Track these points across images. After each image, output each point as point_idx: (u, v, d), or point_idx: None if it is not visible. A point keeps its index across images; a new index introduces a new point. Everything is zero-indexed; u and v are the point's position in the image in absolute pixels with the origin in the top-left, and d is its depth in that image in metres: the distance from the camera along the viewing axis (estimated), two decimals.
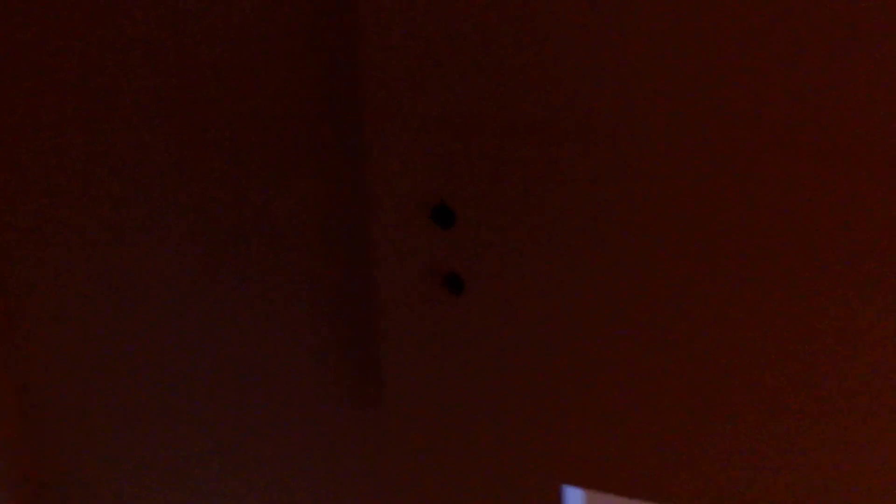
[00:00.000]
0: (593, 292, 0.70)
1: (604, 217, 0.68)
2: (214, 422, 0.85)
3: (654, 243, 0.68)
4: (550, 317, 0.71)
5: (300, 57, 0.72)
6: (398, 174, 0.69)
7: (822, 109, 0.64)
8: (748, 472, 0.72)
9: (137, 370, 0.87)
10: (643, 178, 0.67)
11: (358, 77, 0.71)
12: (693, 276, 0.69)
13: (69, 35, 0.79)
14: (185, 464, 0.89)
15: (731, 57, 0.64)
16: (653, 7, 0.64)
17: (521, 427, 0.75)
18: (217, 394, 0.84)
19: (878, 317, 0.65)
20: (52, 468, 0.94)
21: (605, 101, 0.65)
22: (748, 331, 0.70)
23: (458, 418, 0.76)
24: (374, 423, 0.80)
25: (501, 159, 0.68)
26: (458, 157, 0.67)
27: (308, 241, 0.77)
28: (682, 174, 0.67)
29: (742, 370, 0.70)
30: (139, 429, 0.89)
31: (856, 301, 0.66)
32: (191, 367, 0.84)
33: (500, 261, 0.70)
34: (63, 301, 0.87)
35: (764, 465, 0.72)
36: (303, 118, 0.73)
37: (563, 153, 0.67)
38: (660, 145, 0.66)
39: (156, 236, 0.81)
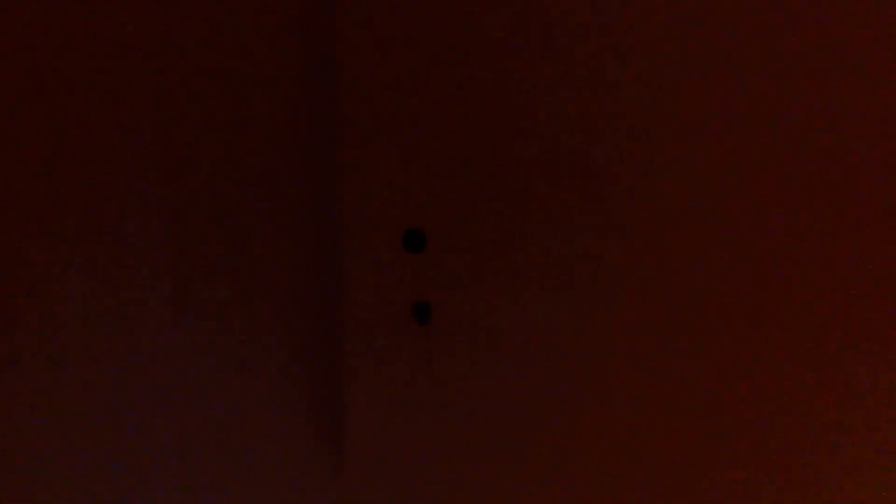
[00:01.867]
0: (565, 323, 0.70)
1: (581, 246, 0.68)
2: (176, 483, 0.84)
3: (631, 276, 0.67)
4: (520, 350, 0.71)
5: (278, 85, 0.72)
6: (373, 199, 0.69)
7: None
8: None
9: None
10: (622, 209, 0.66)
11: (336, 103, 0.71)
12: (670, 312, 0.68)
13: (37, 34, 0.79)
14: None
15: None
16: (627, 36, 0.65)
17: (486, 488, 0.74)
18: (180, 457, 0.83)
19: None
20: None
21: (581, 133, 0.65)
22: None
23: (422, 480, 0.75)
24: (339, 489, 0.80)
25: (475, 186, 0.68)
26: (433, 184, 0.68)
27: (279, 272, 0.77)
28: (659, 202, 0.67)
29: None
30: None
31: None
32: (156, 423, 0.83)
33: (469, 287, 0.70)
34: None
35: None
36: (279, 144, 0.74)
37: (539, 182, 0.67)
38: (639, 177, 0.66)
39: (129, 267, 0.81)
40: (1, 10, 0.80)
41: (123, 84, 0.77)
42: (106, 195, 0.79)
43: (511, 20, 0.65)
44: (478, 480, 0.76)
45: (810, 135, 0.63)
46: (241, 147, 0.76)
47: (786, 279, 0.66)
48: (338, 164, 0.72)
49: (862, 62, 0.61)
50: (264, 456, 0.83)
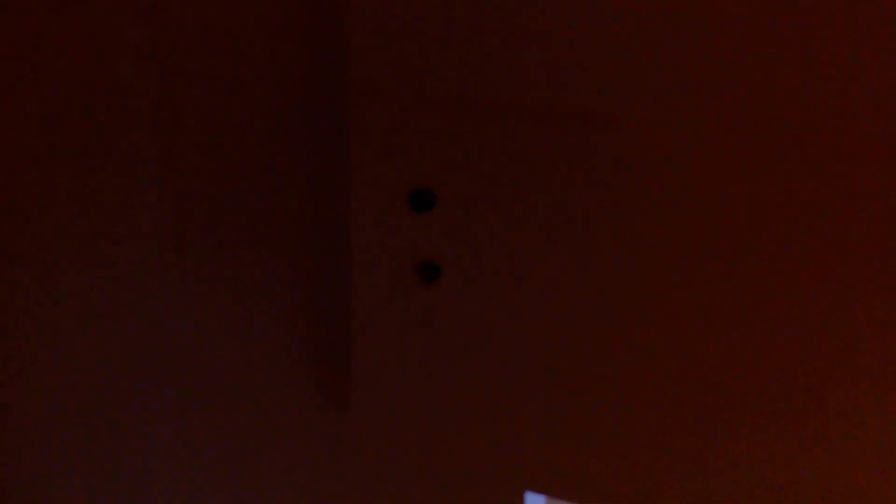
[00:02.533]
0: (571, 286, 0.71)
1: (591, 206, 0.68)
2: (183, 420, 0.86)
3: (640, 237, 0.68)
4: (524, 312, 0.72)
5: (284, 47, 0.73)
6: (380, 158, 0.70)
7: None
8: (706, 479, 0.72)
9: (107, 366, 0.87)
10: (636, 165, 0.67)
11: (341, 63, 0.73)
12: (677, 275, 0.69)
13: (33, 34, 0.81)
14: (153, 464, 0.89)
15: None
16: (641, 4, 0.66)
17: (487, 432, 0.75)
18: (188, 393, 0.84)
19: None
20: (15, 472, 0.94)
21: (592, 83, 0.66)
22: (714, 342, 0.70)
23: (425, 423, 0.76)
24: (343, 427, 0.80)
25: (483, 143, 0.69)
26: (440, 141, 0.69)
27: (287, 235, 0.78)
28: (676, 167, 0.67)
29: (703, 380, 0.71)
30: (104, 426, 0.89)
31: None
32: (160, 364, 0.85)
33: (476, 248, 0.71)
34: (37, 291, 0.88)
35: (722, 475, 0.72)
36: (284, 107, 0.75)
37: (547, 136, 0.68)
38: (654, 132, 0.66)
39: (129, 224, 0.82)
40: None
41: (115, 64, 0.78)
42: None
43: None
44: (478, 428, 0.77)
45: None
46: (241, 106, 0.77)
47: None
48: (343, 123, 0.73)
49: None
50: (267, 408, 0.83)
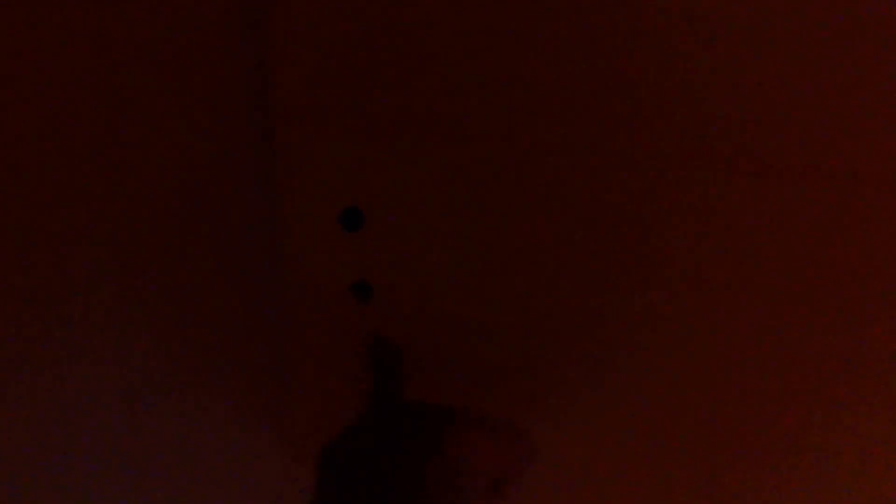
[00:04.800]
0: (509, 297, 0.69)
1: (521, 219, 0.67)
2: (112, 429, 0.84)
3: (581, 249, 0.67)
4: (460, 324, 0.71)
5: (209, 62, 0.70)
6: (308, 178, 0.68)
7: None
8: None
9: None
10: (570, 181, 0.65)
11: (267, 80, 0.70)
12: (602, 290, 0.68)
13: None
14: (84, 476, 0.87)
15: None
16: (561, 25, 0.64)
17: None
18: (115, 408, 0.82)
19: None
20: None
21: (518, 101, 0.64)
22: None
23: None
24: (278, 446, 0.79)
25: (412, 161, 0.67)
26: (369, 159, 0.67)
27: (216, 256, 0.76)
28: (609, 179, 0.65)
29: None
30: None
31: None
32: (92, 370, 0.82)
33: (409, 265, 0.69)
34: None
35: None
36: (211, 123, 0.72)
37: (477, 154, 0.66)
38: (591, 151, 0.65)
39: (74, 240, 0.79)
40: None
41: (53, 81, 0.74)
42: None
43: None
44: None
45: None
46: (168, 132, 0.74)
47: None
48: (271, 143, 0.71)
49: None
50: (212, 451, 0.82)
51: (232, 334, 0.79)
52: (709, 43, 0.61)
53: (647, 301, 0.67)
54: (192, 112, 0.74)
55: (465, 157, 0.68)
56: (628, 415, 0.70)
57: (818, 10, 0.59)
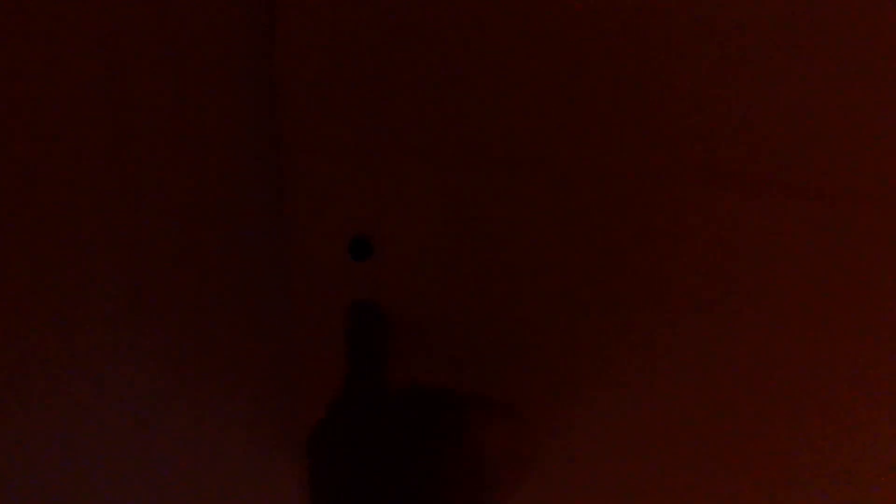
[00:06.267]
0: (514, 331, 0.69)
1: (533, 245, 0.66)
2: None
3: (588, 275, 0.66)
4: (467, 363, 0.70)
5: (217, 88, 0.71)
6: (316, 205, 0.68)
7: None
8: None
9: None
10: (582, 204, 0.65)
11: (275, 107, 0.71)
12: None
13: None
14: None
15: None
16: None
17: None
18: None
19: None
20: None
21: (529, 127, 0.65)
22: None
23: None
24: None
25: (421, 189, 0.67)
26: (377, 188, 0.67)
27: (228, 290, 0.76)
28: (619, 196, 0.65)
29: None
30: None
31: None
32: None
33: (416, 296, 0.68)
34: None
35: None
36: (219, 148, 0.73)
37: (487, 181, 0.67)
38: (602, 171, 0.64)
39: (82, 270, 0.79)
40: None
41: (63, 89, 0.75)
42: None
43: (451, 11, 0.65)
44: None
45: None
46: (177, 158, 0.75)
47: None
48: (279, 170, 0.71)
49: None
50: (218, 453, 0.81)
51: (238, 344, 0.78)
52: (718, 60, 0.62)
53: (653, 315, 0.67)
54: (199, 140, 0.74)
55: (476, 184, 0.68)
56: (632, 425, 0.70)
57: (829, 28, 0.60)
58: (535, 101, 0.64)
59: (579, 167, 0.65)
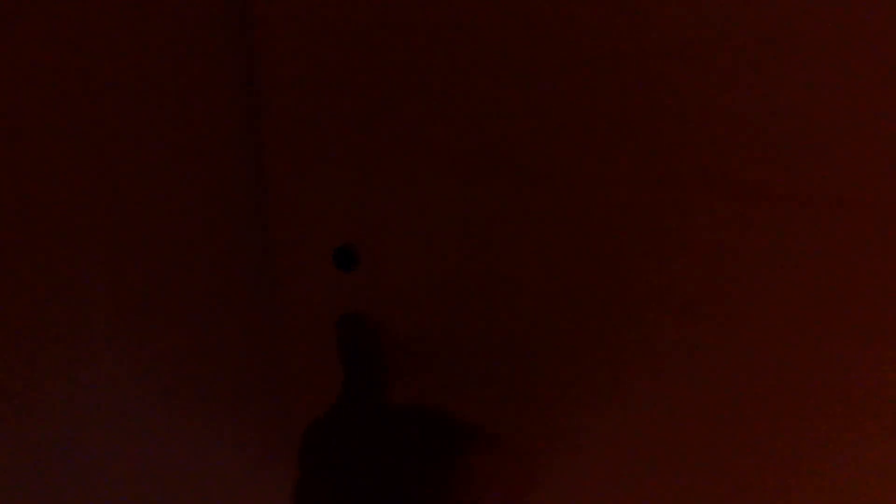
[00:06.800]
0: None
1: (523, 255, 0.66)
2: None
3: (575, 288, 0.66)
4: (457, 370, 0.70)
5: (199, 96, 0.70)
6: (300, 216, 0.67)
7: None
8: None
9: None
10: (568, 215, 0.65)
11: (259, 117, 0.70)
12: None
13: None
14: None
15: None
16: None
17: None
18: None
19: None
20: None
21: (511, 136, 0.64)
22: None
23: None
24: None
25: (407, 197, 0.66)
26: (363, 197, 0.66)
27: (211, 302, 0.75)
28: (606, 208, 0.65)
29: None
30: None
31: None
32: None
33: (401, 305, 0.68)
34: None
35: None
36: (201, 158, 0.72)
37: (476, 188, 0.66)
38: (592, 180, 0.64)
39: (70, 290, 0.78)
40: None
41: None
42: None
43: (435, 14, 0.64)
44: None
45: None
46: (160, 168, 0.74)
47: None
48: (262, 178, 0.70)
49: None
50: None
51: (225, 352, 0.78)
52: (717, 68, 0.61)
53: (652, 322, 0.66)
54: (183, 150, 0.73)
55: (464, 192, 0.67)
56: (631, 431, 0.70)
57: (828, 35, 0.60)
58: (526, 108, 0.64)
59: (571, 175, 0.64)
